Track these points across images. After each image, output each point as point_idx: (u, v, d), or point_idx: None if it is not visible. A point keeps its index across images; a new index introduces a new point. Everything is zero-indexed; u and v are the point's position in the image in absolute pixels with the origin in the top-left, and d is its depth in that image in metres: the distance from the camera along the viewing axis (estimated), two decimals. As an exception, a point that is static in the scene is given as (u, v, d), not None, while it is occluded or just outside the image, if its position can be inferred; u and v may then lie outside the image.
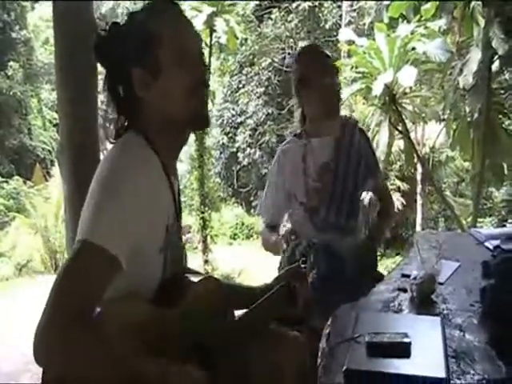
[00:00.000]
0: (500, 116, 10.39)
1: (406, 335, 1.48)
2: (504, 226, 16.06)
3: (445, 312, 1.84)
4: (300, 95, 2.77)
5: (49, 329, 1.24)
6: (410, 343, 1.45)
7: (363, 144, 2.81)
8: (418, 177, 13.37)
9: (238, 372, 1.60)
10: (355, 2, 15.82)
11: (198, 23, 13.36)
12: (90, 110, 4.12)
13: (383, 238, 2.94)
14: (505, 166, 10.43)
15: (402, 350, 1.44)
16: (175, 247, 1.64)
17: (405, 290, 2.01)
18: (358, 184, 2.76)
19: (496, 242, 2.44)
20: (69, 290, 1.30)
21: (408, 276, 2.04)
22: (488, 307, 1.82)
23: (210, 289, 1.59)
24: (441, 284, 2.06)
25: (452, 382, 1.37)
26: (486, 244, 2.59)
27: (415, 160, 10.91)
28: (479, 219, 14.01)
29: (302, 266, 1.82)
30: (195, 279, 1.59)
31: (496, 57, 8.66)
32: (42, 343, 1.24)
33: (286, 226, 2.65)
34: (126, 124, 1.61)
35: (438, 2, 8.64)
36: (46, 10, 25.88)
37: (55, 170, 14.11)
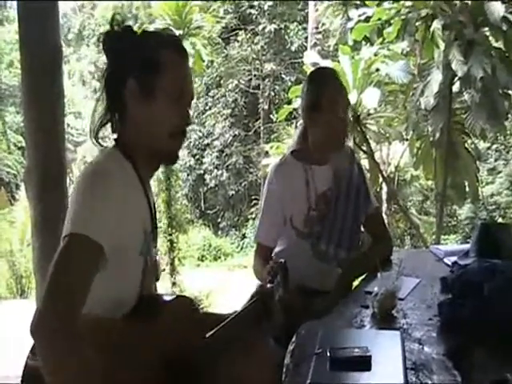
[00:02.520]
0: (461, 135, 10.60)
1: (366, 349, 1.53)
2: (468, 243, 16.28)
3: (405, 326, 1.89)
4: (309, 118, 2.64)
5: (41, 321, 1.30)
6: (370, 357, 1.50)
7: (358, 173, 2.75)
8: (384, 196, 13.52)
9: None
10: (320, 25, 16.00)
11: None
12: (57, 133, 4.11)
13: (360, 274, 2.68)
14: (466, 183, 10.61)
15: (363, 364, 1.48)
16: (153, 255, 1.70)
17: (367, 307, 2.06)
18: (358, 214, 2.71)
19: (454, 258, 2.52)
20: (60, 280, 1.35)
21: (370, 293, 2.09)
22: (445, 321, 1.88)
23: (184, 307, 1.65)
24: (401, 300, 2.11)
25: (411, 393, 1.43)
26: (445, 260, 2.67)
27: (380, 179, 11.04)
28: (444, 236, 14.22)
29: (269, 285, 1.84)
30: (168, 297, 1.65)
31: (456, 78, 8.85)
32: (36, 329, 1.29)
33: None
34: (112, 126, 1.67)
35: (399, 26, 8.82)
36: (11, 33, 25.70)
37: (20, 194, 13.93)
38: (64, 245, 1.40)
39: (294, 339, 1.83)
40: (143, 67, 1.59)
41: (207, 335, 1.66)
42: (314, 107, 2.61)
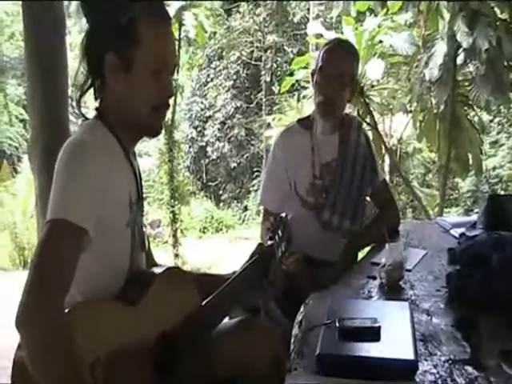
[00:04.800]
0: (465, 107, 10.55)
1: (375, 320, 1.52)
2: (469, 215, 16.33)
3: (412, 297, 1.90)
4: (312, 84, 2.67)
5: (24, 312, 1.26)
6: (379, 327, 1.50)
7: (365, 146, 2.75)
8: (386, 168, 13.50)
9: (204, 362, 1.62)
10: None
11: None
12: (60, 104, 4.10)
13: (366, 244, 2.73)
14: (470, 156, 10.58)
15: (372, 334, 1.48)
16: (140, 227, 1.66)
17: (374, 278, 2.07)
18: (363, 186, 2.71)
19: (461, 230, 2.52)
20: (41, 271, 1.31)
21: (377, 264, 2.09)
22: (453, 292, 1.89)
23: (175, 278, 1.63)
24: (408, 271, 2.12)
25: (420, 363, 1.43)
26: (452, 232, 2.67)
27: (383, 151, 11.01)
28: (446, 209, 14.22)
29: (269, 242, 1.75)
30: (159, 270, 1.61)
31: (461, 50, 8.77)
32: (20, 320, 1.27)
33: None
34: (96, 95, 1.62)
35: (404, -4, 8.74)
36: (10, 4, 25.48)
37: (22, 167, 13.91)
38: (44, 232, 1.36)
39: (301, 309, 1.83)
40: (121, 40, 1.52)
41: (204, 303, 1.63)
42: (313, 73, 2.66)
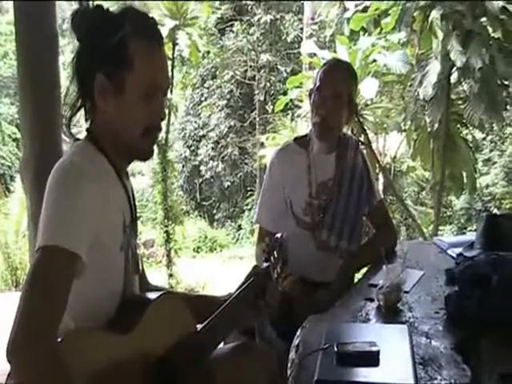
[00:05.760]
0: (459, 126, 10.58)
1: (374, 344, 1.50)
2: (464, 233, 16.35)
3: (411, 320, 1.88)
4: (310, 103, 2.66)
5: (16, 343, 1.23)
6: (378, 352, 1.47)
7: (362, 165, 2.73)
8: (380, 186, 13.52)
9: None
10: (316, 15, 15.94)
11: (160, 37, 13.30)
12: (53, 124, 4.07)
13: (363, 265, 2.69)
14: (464, 175, 10.60)
15: (371, 359, 1.46)
16: (134, 249, 1.63)
17: (372, 300, 2.04)
18: (360, 206, 2.69)
19: (458, 250, 2.49)
20: (33, 301, 1.28)
21: (375, 286, 2.06)
22: (452, 314, 1.86)
23: (169, 304, 1.59)
24: (406, 292, 2.10)
25: (420, 388, 1.40)
26: (449, 252, 2.64)
27: (377, 170, 11.02)
28: (440, 227, 14.22)
29: (265, 264, 1.73)
30: (153, 296, 1.57)
31: (454, 68, 8.81)
32: (12, 352, 1.23)
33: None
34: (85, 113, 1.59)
35: (397, 16, 8.76)
36: (4, 24, 25.58)
37: (15, 186, 13.86)
38: (36, 259, 1.33)
39: (298, 333, 1.80)
40: (112, 62, 1.49)
41: (199, 329, 1.61)
42: (310, 93, 2.65)
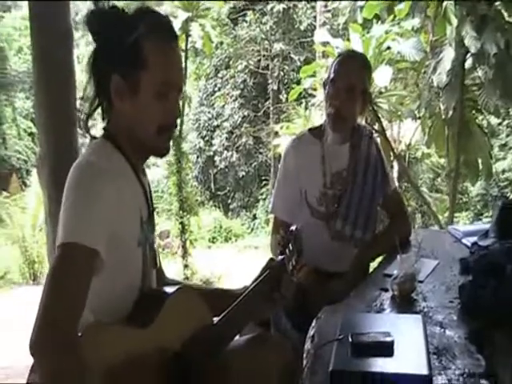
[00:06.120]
0: (474, 112, 10.51)
1: (388, 334, 1.51)
2: (480, 219, 16.26)
3: (425, 310, 1.88)
4: (324, 94, 2.66)
5: (38, 336, 1.26)
6: (392, 342, 1.48)
7: (376, 155, 2.74)
8: (395, 174, 13.47)
9: (219, 380, 1.61)
10: (329, 3, 15.88)
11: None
12: (69, 120, 4.10)
13: (377, 254, 2.68)
14: (479, 161, 10.54)
15: (386, 349, 1.46)
16: (151, 244, 1.66)
17: (386, 290, 2.05)
18: (375, 195, 2.69)
19: (473, 239, 2.49)
20: (55, 296, 1.31)
21: (389, 275, 2.07)
22: (466, 303, 1.86)
23: (186, 298, 1.62)
24: (421, 282, 2.10)
25: (434, 378, 1.41)
26: (464, 241, 2.64)
27: (391, 158, 10.99)
28: (455, 214, 14.16)
29: (280, 257, 1.73)
30: (170, 290, 1.61)
31: (469, 55, 8.75)
32: (34, 345, 1.26)
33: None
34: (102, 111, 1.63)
35: (411, 2, 8.71)
36: (18, 19, 25.72)
37: (31, 180, 13.95)
38: (57, 256, 1.36)
39: (313, 324, 1.81)
40: (127, 62, 1.52)
41: (216, 320, 1.63)
42: (325, 84, 2.64)
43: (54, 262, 1.36)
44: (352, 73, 2.59)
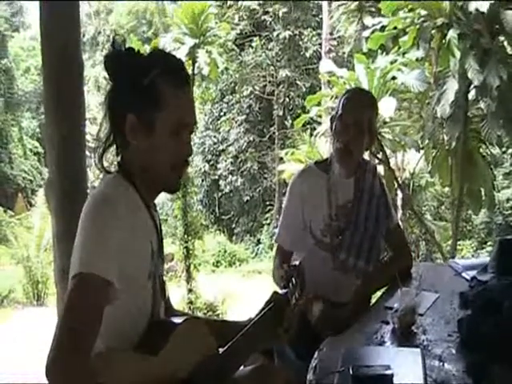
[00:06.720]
0: (477, 143, 10.56)
1: (388, 367, 1.56)
2: (483, 248, 16.24)
3: (425, 343, 1.93)
4: (331, 128, 2.72)
5: (54, 362, 1.32)
6: (392, 375, 1.53)
7: (380, 189, 2.79)
8: (399, 202, 13.51)
9: None
10: (335, 31, 16.03)
11: (181, 55, 13.47)
12: (79, 143, 4.15)
13: (379, 287, 2.73)
14: (483, 191, 10.58)
15: (386, 382, 1.52)
16: (160, 275, 1.73)
17: (387, 322, 2.09)
18: (378, 228, 2.74)
19: (473, 273, 2.54)
20: (71, 323, 1.38)
21: (390, 308, 2.12)
22: (465, 337, 1.91)
23: (193, 328, 1.67)
24: (421, 315, 2.14)
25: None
26: (464, 275, 2.68)
27: (395, 186, 11.04)
28: (459, 242, 14.15)
29: (284, 290, 1.78)
30: (178, 320, 1.66)
31: (472, 86, 8.83)
32: (50, 370, 1.32)
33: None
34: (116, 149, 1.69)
35: (415, 34, 8.82)
36: (27, 39, 25.99)
37: (37, 199, 14.00)
38: (72, 285, 1.43)
39: (315, 355, 1.86)
40: (143, 102, 1.59)
41: (221, 351, 1.67)
42: (332, 119, 2.71)
43: (70, 291, 1.43)
44: (360, 109, 2.66)
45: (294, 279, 1.80)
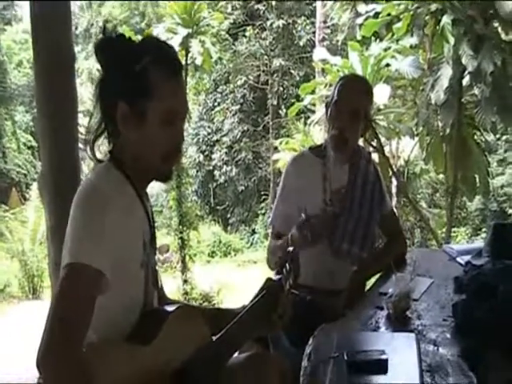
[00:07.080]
0: (471, 129, 10.57)
1: (383, 352, 1.56)
2: (478, 234, 16.29)
3: (419, 328, 1.93)
4: (326, 115, 2.73)
5: (45, 353, 1.31)
6: (387, 360, 1.53)
7: (374, 175, 2.80)
8: (393, 189, 13.52)
9: None
10: (328, 19, 15.97)
11: (174, 45, 13.33)
12: (71, 135, 4.14)
13: (373, 273, 2.75)
14: (477, 178, 10.59)
15: (380, 367, 1.52)
16: (153, 265, 1.71)
17: (382, 308, 2.09)
18: (372, 214, 2.74)
19: (467, 258, 2.54)
20: (62, 313, 1.37)
21: (385, 294, 2.12)
22: (460, 322, 1.90)
23: (186, 316, 1.67)
24: (415, 300, 2.14)
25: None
26: (458, 260, 2.69)
27: (390, 174, 11.03)
28: (454, 229, 14.19)
29: (277, 276, 1.78)
30: (170, 309, 1.65)
31: (466, 73, 8.83)
32: (41, 361, 1.31)
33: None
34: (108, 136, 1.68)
35: (409, 21, 8.79)
36: (19, 32, 25.86)
37: (31, 193, 13.96)
38: (64, 276, 1.42)
39: (310, 342, 1.85)
40: (134, 91, 1.58)
41: (215, 338, 1.67)
42: (327, 106, 2.71)
43: (62, 281, 1.42)
44: (355, 96, 2.66)
45: (287, 265, 1.79)
